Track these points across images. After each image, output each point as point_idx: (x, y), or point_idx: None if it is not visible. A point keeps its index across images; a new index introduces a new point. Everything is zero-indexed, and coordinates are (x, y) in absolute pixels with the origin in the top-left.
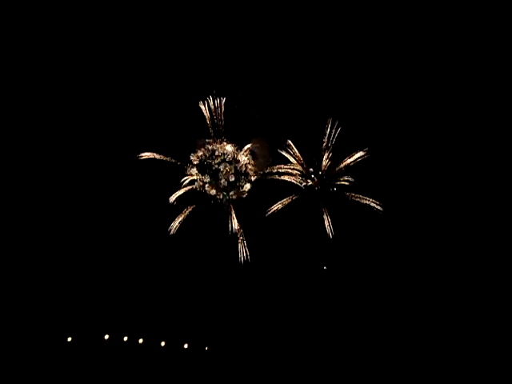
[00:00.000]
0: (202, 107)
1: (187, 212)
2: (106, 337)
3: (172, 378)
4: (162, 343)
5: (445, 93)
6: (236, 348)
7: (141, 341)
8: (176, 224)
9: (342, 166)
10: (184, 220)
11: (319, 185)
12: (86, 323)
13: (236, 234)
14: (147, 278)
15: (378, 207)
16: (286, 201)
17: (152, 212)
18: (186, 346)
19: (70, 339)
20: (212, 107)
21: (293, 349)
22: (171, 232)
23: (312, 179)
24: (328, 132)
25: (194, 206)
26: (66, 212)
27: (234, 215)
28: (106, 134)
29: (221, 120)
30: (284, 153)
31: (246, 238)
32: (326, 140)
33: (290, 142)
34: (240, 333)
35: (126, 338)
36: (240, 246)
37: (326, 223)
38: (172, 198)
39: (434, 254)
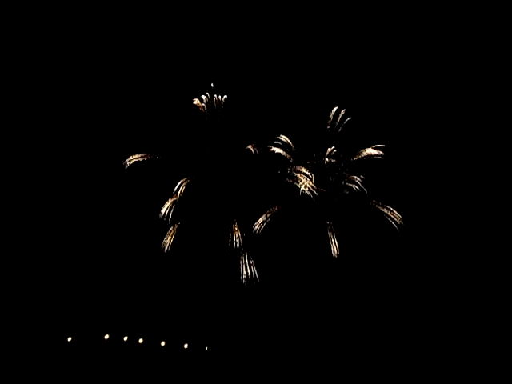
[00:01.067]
0: (198, 103)
1: (177, 227)
2: (106, 337)
3: (172, 378)
4: (162, 343)
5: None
6: (236, 348)
7: (141, 341)
8: (173, 231)
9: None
10: (180, 229)
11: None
12: (86, 323)
13: (238, 249)
14: (147, 279)
15: (396, 219)
16: (269, 213)
17: (152, 214)
18: (185, 345)
19: (70, 339)
20: (210, 103)
21: (291, 350)
22: (166, 247)
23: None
24: (331, 122)
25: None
26: (67, 210)
27: (237, 228)
28: (93, 134)
29: (219, 118)
30: (279, 150)
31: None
32: (329, 129)
33: (285, 137)
34: (240, 334)
35: (125, 338)
36: (243, 263)
37: (331, 240)
38: (164, 208)
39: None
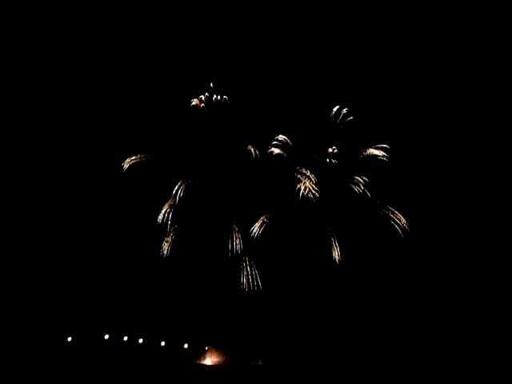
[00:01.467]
0: (197, 102)
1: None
2: (106, 337)
3: (172, 377)
4: (162, 343)
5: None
6: (236, 348)
7: (141, 341)
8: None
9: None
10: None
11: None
12: (86, 323)
13: (238, 251)
14: (148, 279)
15: (401, 223)
16: (268, 216)
17: (151, 215)
18: (185, 346)
19: (70, 339)
20: (209, 103)
21: (291, 350)
22: (165, 248)
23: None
24: (332, 122)
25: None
26: (70, 210)
27: (237, 229)
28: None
29: (218, 118)
30: (279, 150)
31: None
32: (330, 129)
33: (284, 137)
34: (240, 334)
35: (125, 338)
36: (243, 266)
37: (333, 244)
38: (163, 210)
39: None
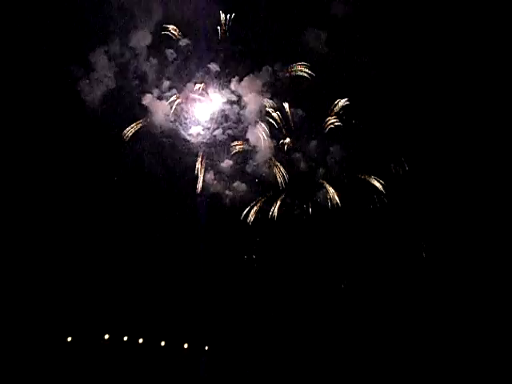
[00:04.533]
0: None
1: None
2: (106, 337)
3: (172, 378)
4: (162, 343)
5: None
6: (236, 348)
7: (141, 341)
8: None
9: None
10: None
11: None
12: (86, 323)
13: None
14: (148, 278)
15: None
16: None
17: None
18: (185, 345)
19: (69, 339)
20: None
21: (292, 349)
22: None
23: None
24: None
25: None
26: (75, 206)
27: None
28: None
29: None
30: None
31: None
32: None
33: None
34: (240, 333)
35: (125, 338)
36: None
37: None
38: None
39: None
